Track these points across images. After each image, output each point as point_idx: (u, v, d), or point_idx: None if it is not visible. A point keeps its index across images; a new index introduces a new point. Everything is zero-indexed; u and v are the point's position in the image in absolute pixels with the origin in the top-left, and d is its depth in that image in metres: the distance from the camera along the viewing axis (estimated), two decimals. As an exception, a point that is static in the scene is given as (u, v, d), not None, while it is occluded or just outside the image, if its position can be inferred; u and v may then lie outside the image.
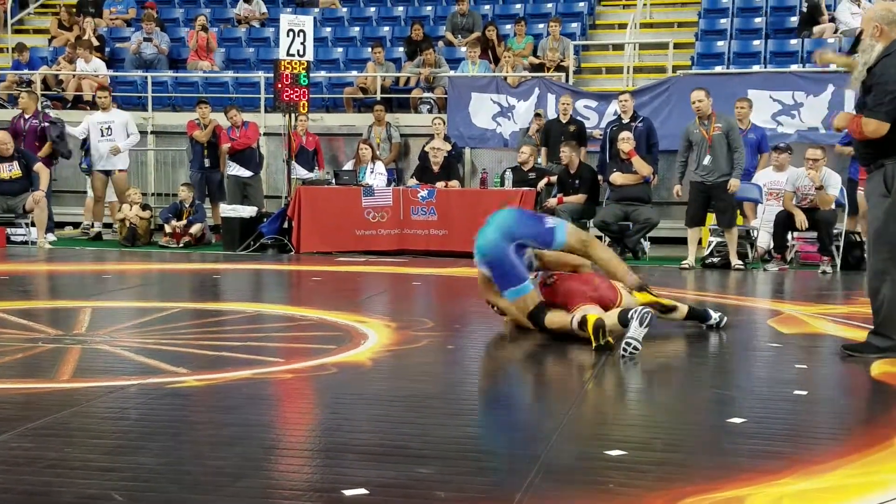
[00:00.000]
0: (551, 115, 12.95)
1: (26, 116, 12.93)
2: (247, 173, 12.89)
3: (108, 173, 12.97)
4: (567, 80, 14.01)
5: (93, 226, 13.20)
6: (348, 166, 12.65)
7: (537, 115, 12.84)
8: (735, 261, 10.23)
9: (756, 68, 13.75)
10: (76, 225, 13.85)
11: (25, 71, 15.73)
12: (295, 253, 11.45)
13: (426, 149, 12.42)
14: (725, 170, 10.22)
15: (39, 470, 3.27)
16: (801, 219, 10.13)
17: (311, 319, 6.67)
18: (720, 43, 14.89)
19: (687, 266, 10.31)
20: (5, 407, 4.15)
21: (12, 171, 11.92)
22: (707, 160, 10.23)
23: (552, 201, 11.46)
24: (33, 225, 11.98)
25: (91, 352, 5.40)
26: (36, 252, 11.45)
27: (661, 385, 5.14)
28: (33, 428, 3.79)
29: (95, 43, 15.92)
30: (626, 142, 11.21)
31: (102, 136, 12.89)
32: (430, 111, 14.35)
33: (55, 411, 4.04)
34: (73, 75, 15.29)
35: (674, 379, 5.30)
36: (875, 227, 5.44)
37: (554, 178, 11.78)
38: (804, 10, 14.92)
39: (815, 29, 14.45)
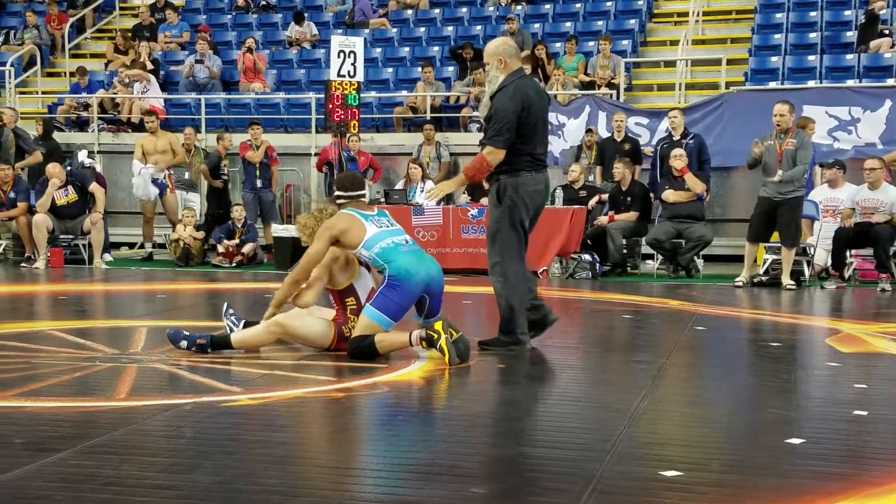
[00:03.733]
0: (602, 132, 12.89)
1: None
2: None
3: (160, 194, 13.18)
4: (618, 98, 13.95)
5: (142, 246, 13.40)
6: (399, 185, 12.69)
7: (589, 130, 12.79)
8: (787, 281, 10.00)
9: (811, 84, 13.57)
10: (131, 245, 14.05)
11: (84, 95, 16.04)
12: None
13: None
14: (793, 186, 10.05)
15: (98, 487, 3.31)
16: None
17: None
18: (774, 59, 14.72)
19: (741, 283, 10.16)
20: (64, 425, 4.21)
21: (68, 195, 12.14)
22: (778, 174, 10.04)
23: (603, 219, 11.40)
24: (91, 246, 12.17)
25: (147, 371, 5.46)
26: (93, 272, 11.63)
27: (718, 405, 5.05)
28: (91, 446, 3.84)
29: (150, 66, 16.19)
30: (678, 159, 11.13)
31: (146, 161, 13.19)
32: (479, 130, 14.36)
33: (112, 429, 4.09)
34: (129, 98, 15.55)
35: (730, 398, 5.22)
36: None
37: (605, 196, 11.72)
38: (863, 21, 14.70)
39: (872, 44, 14.24)
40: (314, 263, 5.83)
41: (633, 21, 16.46)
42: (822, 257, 10.68)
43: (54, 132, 14.62)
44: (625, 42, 15.78)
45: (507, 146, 5.92)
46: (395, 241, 5.86)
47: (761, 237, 10.36)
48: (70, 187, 12.15)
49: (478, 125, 14.50)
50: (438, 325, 5.61)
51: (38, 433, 4.05)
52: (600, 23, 16.61)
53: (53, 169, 12.14)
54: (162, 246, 13.44)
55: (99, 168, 13.61)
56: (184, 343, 6.00)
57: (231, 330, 6.17)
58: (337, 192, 6.12)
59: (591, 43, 15.71)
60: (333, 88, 12.17)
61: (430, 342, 5.58)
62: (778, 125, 10.03)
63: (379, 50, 16.72)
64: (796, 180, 9.98)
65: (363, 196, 6.13)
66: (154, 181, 13.16)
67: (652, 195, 11.60)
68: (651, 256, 11.59)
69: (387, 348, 5.76)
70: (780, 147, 10.02)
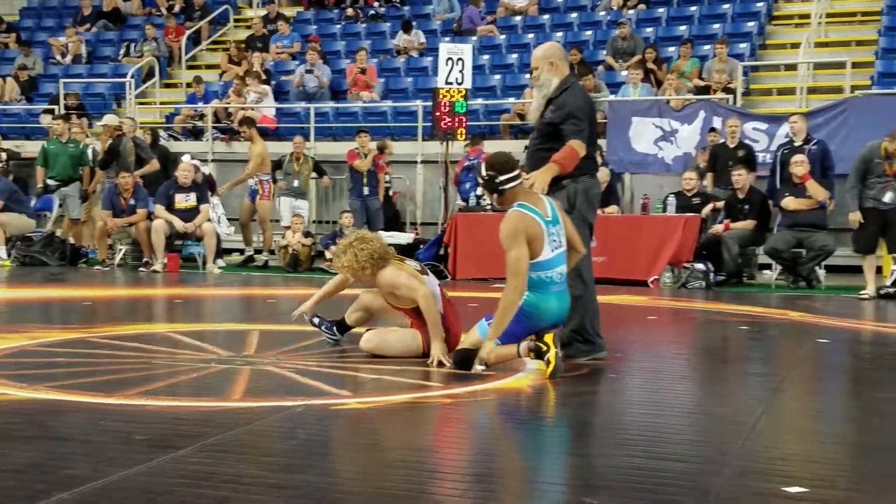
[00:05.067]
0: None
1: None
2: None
3: (252, 199, 13.45)
4: (734, 102, 13.64)
5: (242, 252, 13.67)
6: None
7: (713, 129, 12.51)
8: None
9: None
10: (242, 251, 14.34)
11: (200, 104, 16.47)
12: (451, 279, 11.50)
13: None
14: None
15: (216, 485, 3.36)
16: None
17: (470, 345, 6.65)
18: (903, 62, 14.20)
19: (867, 296, 9.77)
20: (183, 424, 4.29)
21: (188, 201, 12.47)
22: (889, 196, 9.70)
23: (718, 227, 11.13)
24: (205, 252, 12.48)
25: (260, 373, 5.54)
26: (206, 277, 11.91)
27: (843, 420, 4.86)
28: (209, 444, 3.90)
29: (263, 77, 16.53)
30: (799, 165, 10.77)
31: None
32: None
33: (228, 429, 4.15)
34: (242, 108, 15.90)
35: (857, 414, 5.01)
36: None
37: (720, 204, 11.46)
38: None
39: None
40: (525, 267, 5.39)
41: (751, 24, 16.09)
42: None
43: (169, 140, 15.08)
44: (742, 45, 15.44)
45: (585, 140, 5.85)
46: (552, 277, 5.46)
47: (870, 247, 10.06)
48: (193, 194, 12.48)
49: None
50: (549, 338, 5.48)
51: (159, 431, 4.13)
52: (716, 26, 16.29)
53: (186, 167, 12.50)
54: (272, 252, 13.68)
55: (207, 170, 13.90)
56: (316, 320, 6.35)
57: (334, 341, 6.33)
58: (500, 178, 5.51)
59: (707, 47, 15.41)
60: (441, 96, 12.23)
61: (538, 354, 5.45)
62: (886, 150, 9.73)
63: (486, 57, 16.73)
64: None
65: (521, 177, 5.60)
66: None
67: (770, 203, 11.29)
68: (768, 266, 11.28)
69: (494, 361, 5.60)
70: (889, 167, 9.70)
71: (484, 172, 5.58)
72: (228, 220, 14.32)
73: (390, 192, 14.00)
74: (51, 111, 16.63)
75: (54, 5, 22.35)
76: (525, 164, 6.16)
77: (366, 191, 13.46)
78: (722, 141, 12.18)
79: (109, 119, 14.03)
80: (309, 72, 16.42)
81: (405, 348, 5.99)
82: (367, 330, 6.17)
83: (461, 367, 5.56)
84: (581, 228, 5.81)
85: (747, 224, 11.05)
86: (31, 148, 15.99)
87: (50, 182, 13.75)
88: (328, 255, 12.47)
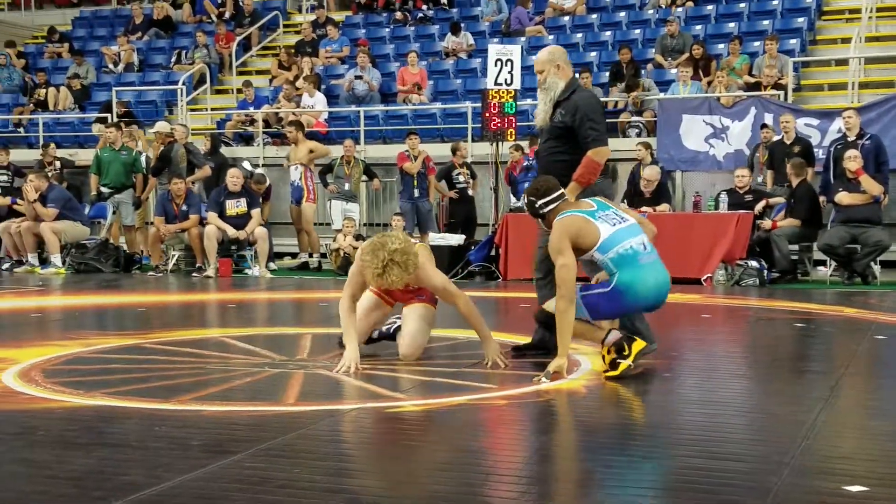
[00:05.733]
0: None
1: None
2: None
3: (298, 203, 13.52)
4: (785, 99, 13.46)
5: (295, 256, 13.75)
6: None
7: (764, 125, 12.36)
8: None
9: None
10: (294, 255, 14.45)
11: (250, 110, 16.62)
12: (502, 280, 11.48)
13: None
14: None
15: (271, 489, 3.37)
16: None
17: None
18: (958, 55, 13.93)
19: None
20: (237, 428, 4.32)
21: (239, 207, 12.59)
22: None
23: (767, 223, 11.00)
24: (257, 256, 12.58)
25: (312, 376, 5.55)
26: (259, 281, 12.00)
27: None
28: (264, 449, 3.92)
29: (313, 81, 16.64)
30: (852, 160, 10.62)
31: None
32: (638, 135, 14.13)
33: (282, 433, 4.17)
34: (293, 112, 16.01)
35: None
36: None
37: (773, 200, 11.31)
38: None
39: None
40: (573, 275, 5.32)
41: (801, 19, 15.88)
42: None
43: (221, 147, 15.23)
44: (792, 41, 15.24)
45: (606, 143, 5.85)
46: (633, 247, 5.38)
47: None
48: (243, 199, 12.59)
49: (636, 130, 14.27)
50: (637, 346, 5.36)
51: (214, 436, 4.16)
52: (766, 22, 16.10)
53: (235, 173, 12.62)
54: (323, 255, 13.77)
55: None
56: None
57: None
58: (539, 202, 5.52)
59: (757, 43, 15.24)
60: (490, 97, 12.21)
61: (619, 352, 5.35)
62: None
63: (535, 57, 16.63)
64: None
65: (564, 195, 5.58)
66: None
67: (823, 198, 11.12)
68: (823, 263, 11.10)
69: (578, 334, 5.46)
70: None
71: (525, 199, 5.64)
72: (277, 223, 14.46)
73: (469, 192, 13.91)
74: (103, 119, 16.88)
75: (106, 15, 22.71)
76: (537, 169, 6.14)
77: (416, 193, 13.49)
78: (778, 137, 12.02)
79: (161, 126, 14.23)
80: (359, 77, 16.49)
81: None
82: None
83: (544, 327, 5.63)
84: None
85: (793, 221, 10.90)
86: (84, 156, 16.27)
87: (103, 189, 13.96)
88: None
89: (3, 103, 19.14)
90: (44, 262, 13.27)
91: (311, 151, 13.59)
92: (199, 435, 4.16)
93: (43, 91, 18.64)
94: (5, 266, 13.43)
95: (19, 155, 16.43)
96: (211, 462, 3.69)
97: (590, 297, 5.46)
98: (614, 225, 5.39)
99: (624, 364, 5.28)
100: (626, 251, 5.36)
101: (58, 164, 15.41)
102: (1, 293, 10.80)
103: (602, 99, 14.82)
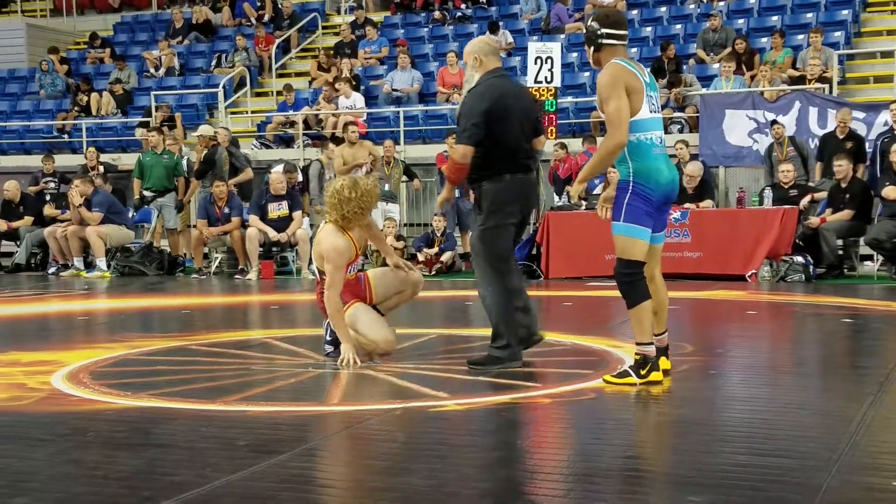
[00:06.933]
0: (814, 128, 12.32)
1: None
2: None
3: None
4: (830, 92, 13.28)
5: None
6: (598, 190, 12.51)
7: (773, 122, 12.24)
8: None
9: None
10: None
11: (290, 112, 16.71)
12: (544, 278, 11.45)
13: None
14: None
15: (317, 489, 3.39)
16: None
17: (565, 344, 6.61)
18: None
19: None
20: (282, 428, 4.34)
21: (281, 209, 12.66)
22: None
23: (815, 220, 10.86)
24: (298, 258, 12.65)
25: (356, 377, 5.58)
26: (300, 283, 12.07)
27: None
28: (309, 448, 3.94)
29: (353, 83, 16.69)
30: (899, 153, 10.45)
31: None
32: (680, 131, 14.02)
33: (328, 433, 4.19)
34: (332, 114, 16.07)
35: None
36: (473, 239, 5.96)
37: (819, 195, 11.17)
38: None
39: None
40: (626, 117, 4.99)
41: (845, 11, 15.67)
42: None
43: (261, 149, 15.33)
44: (837, 34, 15.03)
45: (474, 143, 5.66)
46: (652, 139, 5.10)
47: None
48: (285, 202, 12.66)
49: (678, 126, 14.17)
50: (656, 376, 5.14)
51: (260, 436, 4.19)
52: (810, 15, 15.90)
53: (279, 177, 12.69)
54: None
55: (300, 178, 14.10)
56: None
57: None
58: (601, 31, 5.17)
59: (800, 36, 15.06)
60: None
61: (638, 366, 5.14)
62: None
63: (575, 55, 16.59)
64: None
65: (626, 42, 5.26)
66: None
67: (872, 192, 10.96)
68: (870, 257, 10.95)
69: (642, 317, 5.13)
70: None
71: (590, 22, 5.30)
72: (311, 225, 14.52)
73: None
74: (145, 124, 17.06)
75: (147, 20, 22.95)
76: None
77: (456, 192, 13.43)
78: (831, 130, 11.88)
79: (204, 129, 14.34)
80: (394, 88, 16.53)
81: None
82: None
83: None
84: (483, 230, 5.77)
85: (844, 215, 10.75)
86: (127, 160, 16.44)
87: (146, 193, 14.11)
88: (420, 257, 12.55)
89: (48, 109, 19.40)
90: (89, 265, 13.43)
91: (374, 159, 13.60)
92: (245, 435, 4.19)
93: (85, 97, 18.87)
94: (52, 270, 13.62)
95: (63, 160, 16.66)
96: (257, 462, 3.72)
97: (627, 213, 5.09)
98: (651, 112, 5.14)
99: (630, 380, 5.12)
100: (647, 140, 5.09)
101: (101, 168, 15.59)
102: (48, 297, 10.96)
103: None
